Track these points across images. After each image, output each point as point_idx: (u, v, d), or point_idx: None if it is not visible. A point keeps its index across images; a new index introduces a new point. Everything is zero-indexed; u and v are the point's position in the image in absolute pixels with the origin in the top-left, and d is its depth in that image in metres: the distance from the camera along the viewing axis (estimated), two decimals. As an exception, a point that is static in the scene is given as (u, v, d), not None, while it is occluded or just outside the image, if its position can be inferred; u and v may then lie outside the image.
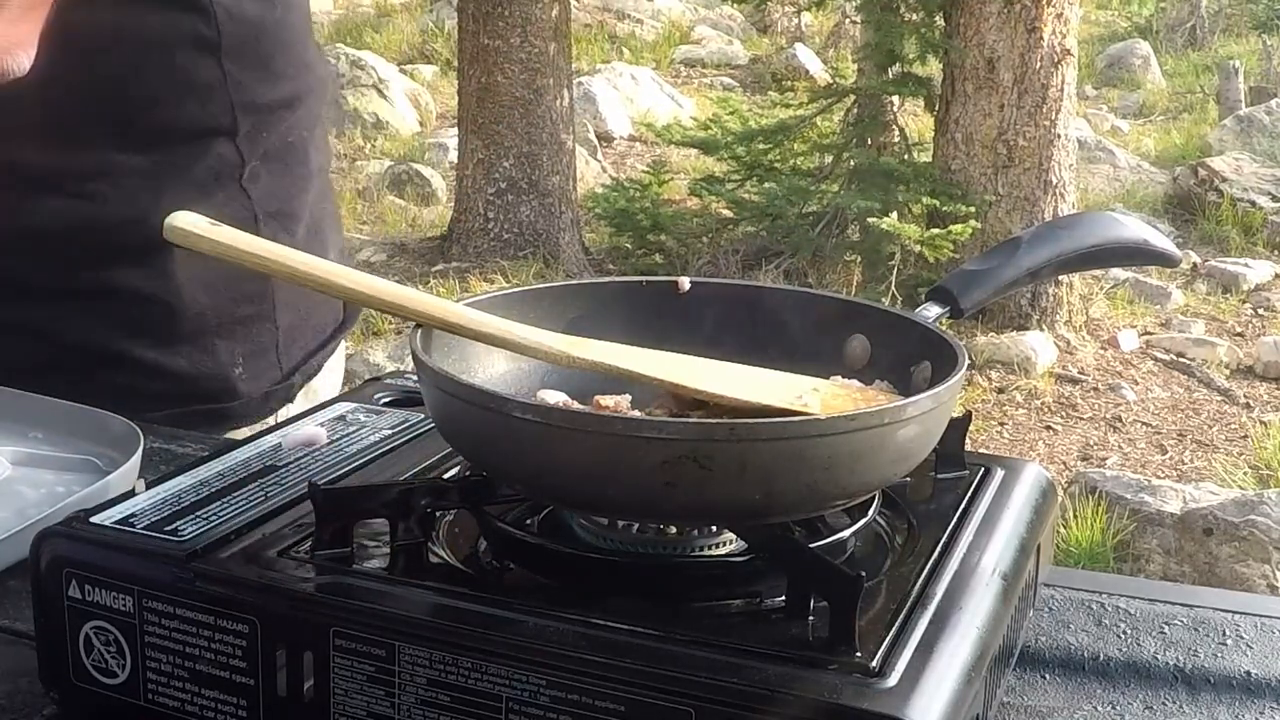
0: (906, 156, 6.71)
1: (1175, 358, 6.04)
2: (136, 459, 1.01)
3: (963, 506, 0.83)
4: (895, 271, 6.07)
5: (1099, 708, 0.81)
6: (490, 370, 0.87)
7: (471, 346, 0.83)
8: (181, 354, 1.32)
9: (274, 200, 1.35)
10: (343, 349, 1.56)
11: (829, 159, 6.93)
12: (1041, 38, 6.02)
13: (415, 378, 0.87)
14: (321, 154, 1.46)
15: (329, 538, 0.75)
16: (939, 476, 0.88)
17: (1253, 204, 7.69)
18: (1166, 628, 0.89)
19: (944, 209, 5.96)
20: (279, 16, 1.33)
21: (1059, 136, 6.11)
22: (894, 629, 0.68)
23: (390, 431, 0.94)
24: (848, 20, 10.33)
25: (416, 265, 6.99)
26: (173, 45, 1.26)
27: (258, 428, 1.34)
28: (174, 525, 0.77)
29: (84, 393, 1.21)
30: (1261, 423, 5.38)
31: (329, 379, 1.50)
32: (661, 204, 7.23)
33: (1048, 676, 0.84)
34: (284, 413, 1.41)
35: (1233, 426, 5.42)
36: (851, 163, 6.70)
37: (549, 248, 6.92)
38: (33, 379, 1.21)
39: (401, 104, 9.79)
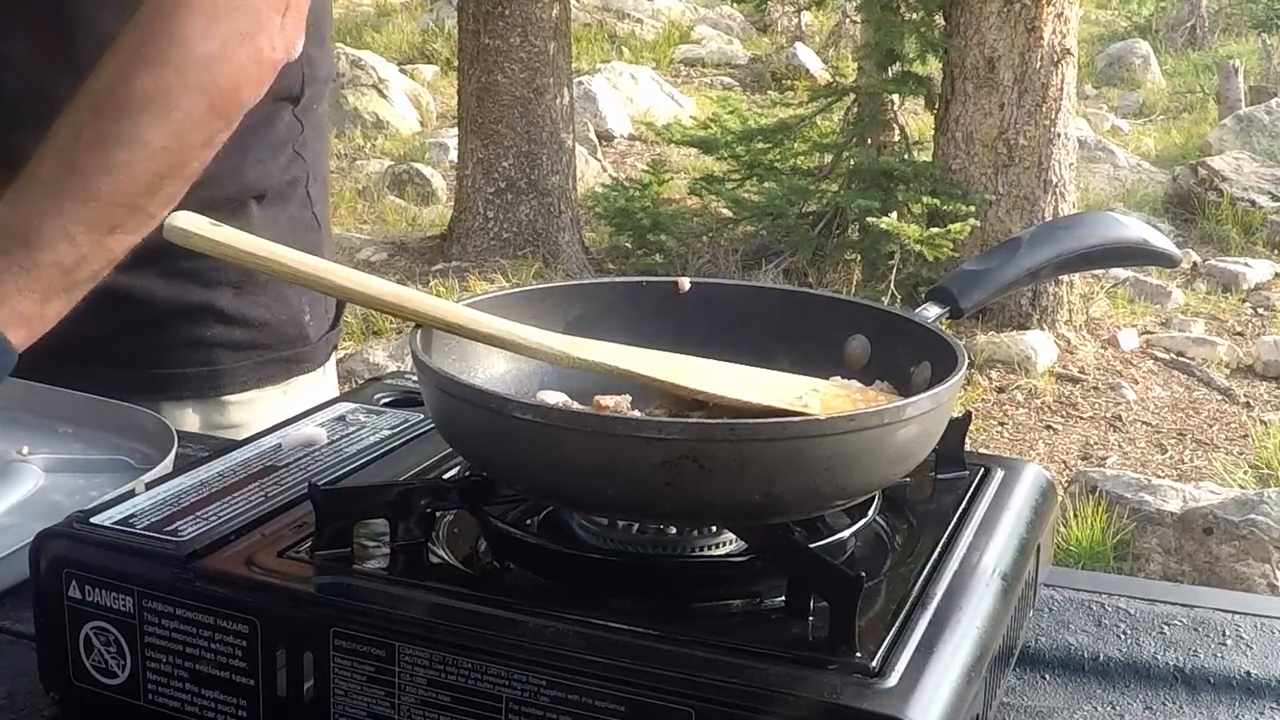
0: (906, 156, 6.70)
1: (1175, 357, 6.03)
2: (170, 459, 1.01)
3: (963, 506, 0.83)
4: (895, 271, 6.06)
5: (1099, 708, 0.81)
6: (490, 370, 0.87)
7: (471, 346, 0.83)
8: (261, 303, 1.38)
9: (314, 165, 1.44)
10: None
11: (829, 158, 6.92)
12: (1041, 37, 6.01)
13: (415, 378, 0.87)
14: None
15: (329, 538, 0.75)
16: (939, 476, 0.88)
17: (1253, 203, 7.68)
18: (1166, 628, 0.89)
19: (944, 208, 5.96)
20: None
21: (1059, 136, 6.11)
22: (894, 629, 0.68)
23: (390, 431, 0.94)
24: (848, 20, 10.32)
25: (416, 265, 6.99)
26: None
27: (316, 374, 1.44)
28: (174, 525, 0.77)
29: (166, 347, 1.31)
30: (1261, 422, 5.38)
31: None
32: (661, 204, 7.23)
33: (1048, 676, 0.84)
34: (332, 360, 1.49)
35: (1233, 426, 5.42)
36: (851, 162, 6.70)
37: (549, 247, 6.92)
38: (117, 341, 1.28)
39: (401, 104, 9.78)
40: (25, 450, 1.09)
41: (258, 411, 1.39)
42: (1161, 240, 0.99)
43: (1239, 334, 6.32)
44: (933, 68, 6.58)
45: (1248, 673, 0.84)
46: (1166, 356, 6.05)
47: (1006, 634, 0.75)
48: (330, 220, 1.59)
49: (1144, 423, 5.45)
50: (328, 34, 1.44)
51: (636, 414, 0.78)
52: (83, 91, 1.06)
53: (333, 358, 1.50)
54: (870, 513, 0.78)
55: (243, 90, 1.11)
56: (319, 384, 1.46)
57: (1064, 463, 5.05)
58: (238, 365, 1.37)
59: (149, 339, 1.33)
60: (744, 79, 11.09)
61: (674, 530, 0.77)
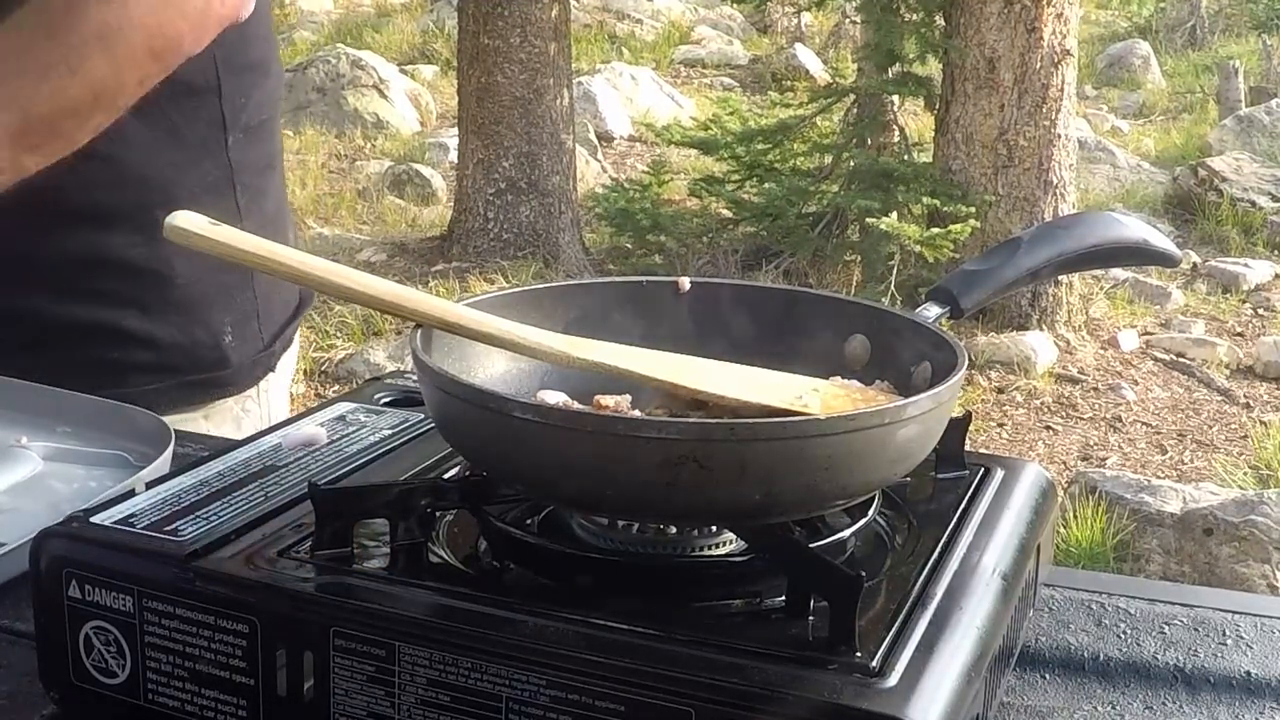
0: (906, 156, 6.70)
1: (1175, 358, 6.04)
2: (168, 454, 1.01)
3: (963, 506, 0.83)
4: (895, 271, 6.06)
5: (1099, 708, 0.81)
6: (490, 370, 0.87)
7: (471, 346, 0.83)
8: (172, 323, 1.32)
9: (250, 174, 1.37)
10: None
11: (829, 159, 6.93)
12: (1041, 38, 6.01)
13: (415, 378, 0.87)
14: (279, 139, 1.49)
15: (329, 538, 0.75)
16: (939, 476, 0.88)
17: (1253, 204, 7.69)
18: (1166, 628, 0.89)
19: (944, 209, 5.96)
20: None
21: (1059, 136, 6.11)
22: (894, 629, 0.68)
23: (390, 431, 0.94)
24: (848, 20, 10.32)
25: (416, 265, 6.99)
26: None
27: (243, 398, 1.37)
28: (174, 525, 0.77)
29: (72, 369, 1.22)
30: (1261, 423, 5.38)
31: (291, 356, 1.51)
32: (661, 204, 7.22)
33: (1048, 676, 0.84)
34: (265, 383, 1.41)
35: (1233, 426, 5.42)
36: (851, 163, 6.70)
37: (549, 248, 6.92)
38: (19, 359, 1.21)
39: (401, 104, 9.79)
40: (24, 440, 1.09)
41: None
42: (1161, 240, 0.99)
43: (1239, 335, 6.33)
44: (933, 68, 6.58)
45: (1248, 673, 0.84)
46: (1166, 357, 6.05)
47: (1006, 634, 0.75)
48: (291, 228, 1.51)
49: (1144, 423, 5.45)
50: (251, 20, 1.31)
51: (636, 414, 0.78)
52: (36, 10, 1.06)
53: (271, 380, 1.42)
54: (870, 513, 0.78)
55: (184, 38, 1.11)
56: (251, 408, 1.39)
57: (1064, 463, 5.05)
58: (147, 389, 1.29)
59: (54, 359, 1.26)
60: (744, 79, 11.09)
61: (674, 530, 0.77)
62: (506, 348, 0.82)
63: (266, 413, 1.41)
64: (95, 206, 1.27)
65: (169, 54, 1.10)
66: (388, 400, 1.01)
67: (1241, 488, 4.52)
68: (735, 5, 11.45)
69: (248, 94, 1.35)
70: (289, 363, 1.49)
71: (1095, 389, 5.73)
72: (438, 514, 0.79)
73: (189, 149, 1.31)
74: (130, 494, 0.82)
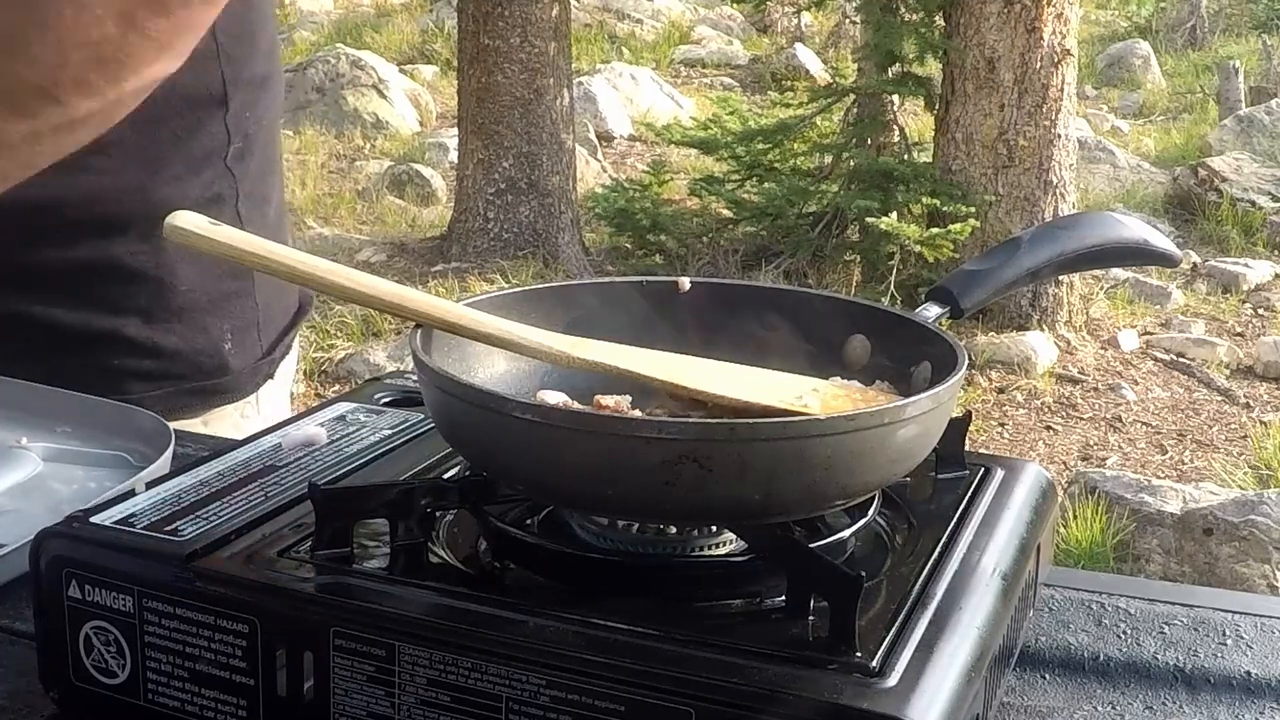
0: (906, 156, 6.71)
1: (1175, 358, 6.04)
2: (168, 455, 1.01)
3: (963, 506, 0.83)
4: (895, 271, 6.07)
5: (1099, 708, 0.81)
6: (490, 370, 0.87)
7: (471, 346, 0.83)
8: (174, 331, 1.33)
9: (251, 182, 1.37)
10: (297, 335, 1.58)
11: (829, 159, 6.93)
12: (1041, 38, 6.02)
13: (415, 378, 0.87)
14: (279, 144, 1.49)
15: (329, 538, 0.75)
16: (939, 476, 0.88)
17: (1253, 204, 7.69)
18: (1166, 628, 0.89)
19: (944, 209, 5.96)
20: None
21: (1059, 136, 6.11)
22: (894, 629, 0.68)
23: (390, 431, 0.94)
24: (848, 20, 10.33)
25: (416, 265, 6.99)
26: None
27: (242, 405, 1.37)
28: (174, 525, 0.77)
29: (71, 376, 1.20)
30: (1261, 423, 5.38)
31: (290, 362, 1.51)
32: (661, 204, 7.23)
33: (1048, 676, 0.84)
34: (265, 389, 1.42)
35: (1233, 426, 5.42)
36: (851, 163, 6.70)
37: (549, 248, 6.92)
38: (22, 364, 1.20)
39: (401, 104, 9.79)
40: (24, 441, 1.09)
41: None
42: (1161, 240, 0.99)
43: (1239, 335, 6.33)
44: (932, 68, 6.58)
45: (1248, 673, 0.84)
46: (1166, 357, 6.05)
47: (1006, 634, 0.75)
48: (289, 231, 1.53)
49: (1144, 423, 5.45)
50: (260, 36, 1.34)
51: (636, 414, 0.78)
52: None
53: (270, 387, 1.43)
54: (870, 512, 0.78)
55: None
56: (250, 414, 1.39)
57: (1064, 463, 5.06)
58: (148, 395, 1.29)
59: (55, 366, 1.25)
60: (744, 79, 11.10)
61: (674, 530, 0.77)
62: (506, 348, 0.82)
63: (266, 418, 1.42)
64: (96, 218, 1.27)
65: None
66: (388, 400, 1.01)
67: (1241, 488, 4.52)
68: (735, 5, 11.46)
69: (253, 107, 1.35)
70: (288, 368, 1.49)
71: (1095, 389, 5.73)
72: (438, 514, 0.79)
73: (192, 160, 1.30)
74: (130, 494, 0.82)
